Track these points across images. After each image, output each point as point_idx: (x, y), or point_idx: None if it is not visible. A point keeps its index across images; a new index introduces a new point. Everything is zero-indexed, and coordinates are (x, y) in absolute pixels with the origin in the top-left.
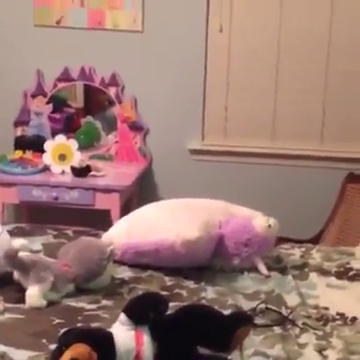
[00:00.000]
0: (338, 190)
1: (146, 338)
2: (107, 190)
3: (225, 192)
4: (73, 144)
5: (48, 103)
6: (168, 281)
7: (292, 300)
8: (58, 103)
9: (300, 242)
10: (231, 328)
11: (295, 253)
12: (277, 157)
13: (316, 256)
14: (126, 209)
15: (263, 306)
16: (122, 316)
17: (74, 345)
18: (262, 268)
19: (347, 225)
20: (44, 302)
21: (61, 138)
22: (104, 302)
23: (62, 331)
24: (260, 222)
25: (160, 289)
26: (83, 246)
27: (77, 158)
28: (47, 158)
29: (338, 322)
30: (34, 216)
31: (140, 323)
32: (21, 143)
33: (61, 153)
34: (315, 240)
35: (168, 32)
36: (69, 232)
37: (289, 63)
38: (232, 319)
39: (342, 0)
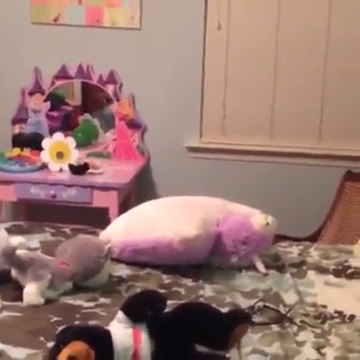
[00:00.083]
0: (336, 188)
1: (144, 336)
2: (105, 188)
3: (223, 190)
4: (71, 142)
5: (46, 101)
6: (166, 279)
7: (290, 298)
8: (56, 101)
9: (298, 240)
10: (229, 326)
11: (293, 251)
12: (275, 155)
13: (314, 254)
14: (124, 207)
15: (261, 304)
16: (120, 314)
17: (72, 343)
18: (260, 266)
19: (345, 223)
20: (42, 300)
21: (59, 136)
22: (102, 300)
23: (60, 329)
24: (258, 220)
25: (158, 287)
26: (81, 244)
27: (75, 156)
28: (45, 156)
29: (336, 320)
30: (32, 214)
31: (138, 321)
32: (19, 141)
33: (59, 151)
34: (313, 238)
35: (166, 29)
36: (67, 230)
37: (287, 61)
38: (230, 317)
39: None
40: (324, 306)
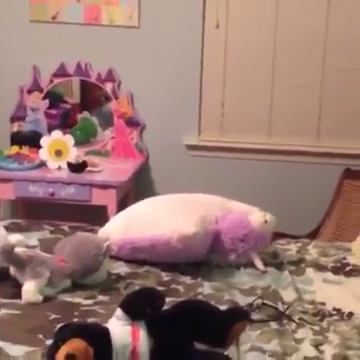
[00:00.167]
0: (335, 186)
1: (142, 333)
2: (104, 186)
3: (221, 188)
4: (69, 140)
5: (44, 99)
6: (165, 276)
7: (288, 295)
8: (54, 99)
9: (297, 238)
10: (227, 323)
11: (291, 248)
12: (274, 153)
13: (312, 251)
14: (123, 205)
15: (259, 301)
16: (118, 311)
17: (70, 340)
18: (258, 263)
19: (344, 221)
20: (40, 297)
21: (57, 134)
22: (100, 297)
23: (58, 326)
24: (256, 217)
25: (157, 284)
26: (79, 241)
27: (73, 154)
28: (43, 154)
29: (335, 317)
30: (30, 212)
31: (136, 318)
32: (17, 139)
33: (57, 149)
34: (312, 236)
35: (164, 28)
36: (65, 228)
37: (286, 59)
38: (228, 314)
39: None
40: (322, 303)
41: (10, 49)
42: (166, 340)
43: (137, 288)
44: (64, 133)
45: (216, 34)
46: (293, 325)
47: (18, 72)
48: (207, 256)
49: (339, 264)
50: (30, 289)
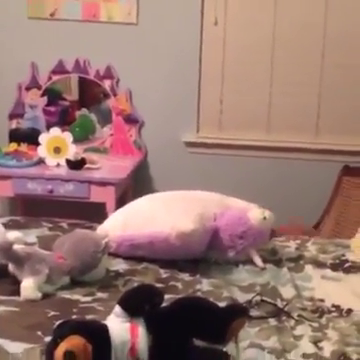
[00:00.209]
0: (334, 183)
1: (141, 330)
2: (102, 183)
3: (220, 184)
4: (68, 137)
5: (43, 96)
6: (163, 273)
7: (287, 292)
8: (53, 96)
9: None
10: (226, 320)
11: (290, 245)
12: (272, 150)
13: (311, 248)
14: (121, 202)
15: (258, 298)
16: (117, 308)
17: (69, 337)
18: (257, 260)
19: (343, 218)
20: (39, 294)
21: (56, 131)
22: (99, 294)
23: (57, 323)
24: (255, 214)
25: (155, 281)
26: (78, 238)
27: (72, 151)
28: (42, 151)
29: (333, 314)
30: (29, 209)
31: (135, 315)
32: (16, 136)
33: (56, 146)
34: (311, 233)
35: (163, 25)
36: (64, 225)
37: (284, 56)
38: (227, 311)
39: None
40: (321, 300)
41: (8, 46)
42: (165, 337)
43: (136, 285)
44: (63, 130)
45: (214, 31)
46: (292, 322)
47: (16, 69)
48: (206, 253)
49: (338, 261)
50: (29, 286)
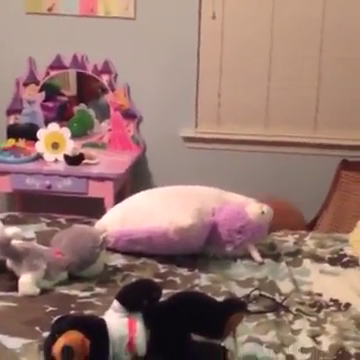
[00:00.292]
0: (332, 177)
1: (139, 325)
2: (100, 178)
3: (218, 179)
4: (66, 132)
5: (40, 91)
6: (161, 268)
7: (285, 287)
8: (51, 91)
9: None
10: (224, 315)
11: (289, 240)
12: (271, 144)
13: (309, 243)
14: (120, 197)
15: (256, 293)
16: (115, 303)
17: (67, 332)
18: (255, 255)
19: (341, 212)
20: (37, 290)
21: (54, 126)
22: (97, 290)
23: (55, 319)
24: (253, 209)
25: (153, 276)
26: (76, 234)
27: (70, 146)
28: (40, 146)
29: (332, 308)
30: (27, 204)
31: (133, 310)
32: (14, 131)
33: (54, 141)
34: (309, 227)
35: (161, 19)
36: (62, 220)
37: (282, 50)
38: (225, 306)
39: None
40: (319, 294)
41: (6, 41)
42: (163, 332)
43: (134, 280)
44: (61, 126)
45: (212, 25)
46: (290, 316)
47: (14, 64)
48: (204, 248)
49: (336, 255)
50: (27, 281)
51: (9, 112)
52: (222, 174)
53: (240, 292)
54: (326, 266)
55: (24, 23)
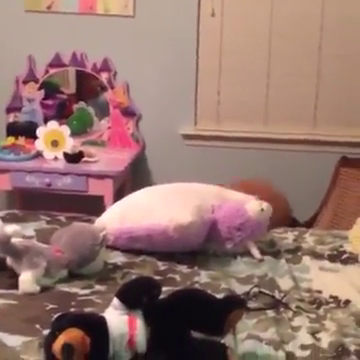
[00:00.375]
0: (331, 174)
1: (139, 322)
2: (100, 176)
3: (218, 177)
4: (65, 130)
5: (40, 89)
6: (161, 266)
7: (285, 284)
8: (50, 89)
9: (293, 226)
10: (224, 312)
11: (288, 237)
12: (270, 141)
13: (309, 240)
14: (119, 195)
15: (256, 290)
16: (115, 301)
17: (67, 330)
18: (255, 252)
19: (340, 209)
20: (37, 288)
21: (53, 124)
22: (97, 287)
23: (55, 316)
24: (253, 206)
25: (153, 274)
26: (76, 231)
27: (70, 144)
28: (40, 144)
29: (331, 305)
30: (27, 202)
31: (133, 307)
32: (13, 129)
33: (54, 139)
34: (308, 224)
35: (160, 17)
36: (62, 218)
37: (281, 47)
38: (225, 303)
39: None
40: (319, 291)
41: (5, 39)
42: (163, 329)
43: (134, 277)
44: (60, 123)
45: (212, 22)
46: (290, 313)
47: (13, 62)
48: (204, 245)
49: (336, 252)
50: (27, 279)
51: (9, 110)
52: (221, 171)
53: (240, 289)
54: (326, 263)
55: (23, 21)
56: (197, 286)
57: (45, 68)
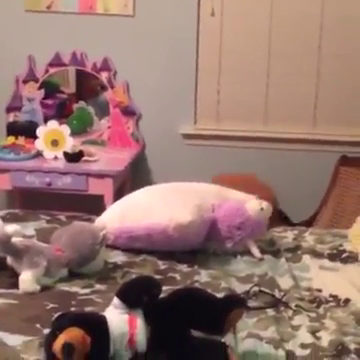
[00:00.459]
0: (331, 173)
1: (139, 322)
2: (100, 175)
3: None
4: (65, 129)
5: (40, 88)
6: (161, 265)
7: (285, 283)
8: (50, 89)
9: (293, 225)
10: (224, 311)
11: (288, 236)
12: (269, 141)
13: (309, 239)
14: (119, 194)
15: (256, 289)
16: (115, 300)
17: (68, 329)
18: (255, 251)
19: (340, 208)
20: (37, 287)
21: (53, 124)
22: (97, 286)
23: (56, 315)
24: (253, 205)
25: (153, 273)
26: (76, 231)
27: (70, 143)
28: (40, 144)
29: (331, 304)
30: (27, 202)
31: (133, 307)
32: (13, 129)
33: (54, 139)
34: (308, 223)
35: (159, 16)
36: (62, 217)
37: (281, 46)
38: (225, 302)
39: None
40: (319, 290)
41: (5, 39)
42: (163, 328)
43: (134, 277)
44: (60, 123)
45: (211, 22)
46: (290, 312)
47: (13, 62)
48: (204, 244)
49: (335, 251)
50: (27, 279)
51: (9, 110)
52: (221, 170)
53: (240, 288)
54: (325, 262)
55: (23, 21)
56: (197, 285)
57: (45, 68)
